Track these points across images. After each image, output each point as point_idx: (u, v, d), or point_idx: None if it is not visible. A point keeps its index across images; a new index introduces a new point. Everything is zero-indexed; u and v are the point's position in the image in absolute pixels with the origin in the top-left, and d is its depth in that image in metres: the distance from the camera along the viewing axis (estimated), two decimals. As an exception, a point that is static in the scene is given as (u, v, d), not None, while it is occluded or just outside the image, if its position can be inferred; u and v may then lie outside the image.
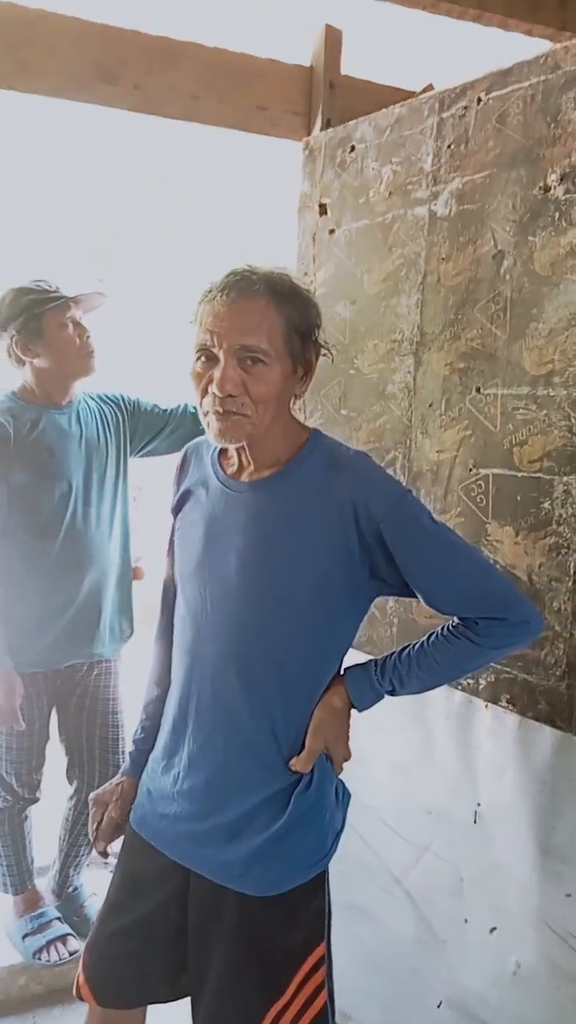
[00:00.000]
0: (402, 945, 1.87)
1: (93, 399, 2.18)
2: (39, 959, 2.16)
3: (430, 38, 2.91)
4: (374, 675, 1.35)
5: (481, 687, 1.66)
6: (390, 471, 1.84)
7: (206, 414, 1.28)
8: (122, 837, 1.50)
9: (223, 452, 1.40)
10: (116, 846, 1.53)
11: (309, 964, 1.34)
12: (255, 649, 1.31)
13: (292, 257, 2.11)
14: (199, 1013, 1.37)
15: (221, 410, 1.24)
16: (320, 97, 2.19)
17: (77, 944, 2.19)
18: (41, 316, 1.99)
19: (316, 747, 1.32)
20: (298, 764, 1.32)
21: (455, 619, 1.33)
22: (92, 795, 1.54)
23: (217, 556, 1.34)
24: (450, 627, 1.33)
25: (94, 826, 1.51)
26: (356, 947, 2.00)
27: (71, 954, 2.17)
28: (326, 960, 1.37)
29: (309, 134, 2.17)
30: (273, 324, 1.23)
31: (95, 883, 2.37)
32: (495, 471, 1.61)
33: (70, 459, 2.06)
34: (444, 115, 1.71)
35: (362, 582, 1.31)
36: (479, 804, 1.69)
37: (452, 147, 1.69)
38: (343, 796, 1.42)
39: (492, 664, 1.62)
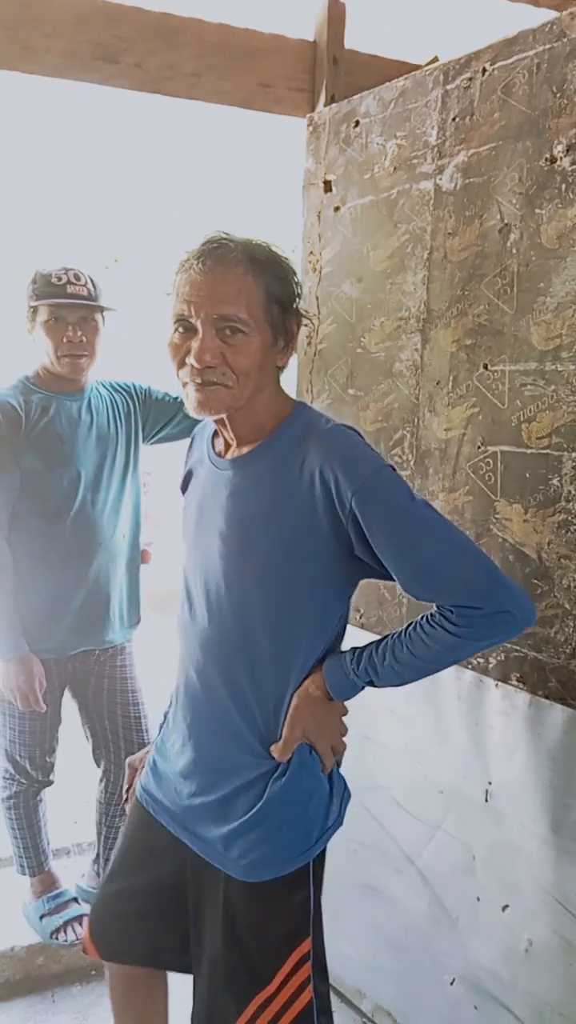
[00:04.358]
0: (415, 923, 1.88)
1: (106, 387, 2.17)
2: (56, 939, 2.19)
3: (436, 11, 2.85)
4: (349, 665, 1.28)
5: (491, 666, 1.65)
6: (397, 450, 1.83)
7: (184, 385, 1.23)
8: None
9: (217, 431, 1.36)
10: None
11: (294, 959, 1.30)
12: (230, 630, 1.28)
13: (298, 235, 2.08)
14: (196, 991, 1.38)
15: (200, 380, 1.20)
16: (324, 73, 2.15)
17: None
18: (36, 305, 2.01)
19: (293, 736, 1.27)
20: (275, 752, 1.28)
21: (433, 607, 1.23)
22: (128, 759, 1.58)
23: (205, 536, 1.33)
24: (428, 616, 1.22)
25: (126, 787, 1.55)
26: (369, 926, 2.01)
27: (88, 934, 2.20)
28: (311, 956, 1.32)
29: (313, 111, 2.14)
30: (252, 293, 1.19)
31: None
32: (503, 448, 1.60)
33: (79, 447, 2.06)
34: (449, 87, 1.68)
35: (339, 562, 1.23)
36: (490, 783, 1.68)
37: (457, 119, 1.66)
38: (342, 794, 1.37)
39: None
